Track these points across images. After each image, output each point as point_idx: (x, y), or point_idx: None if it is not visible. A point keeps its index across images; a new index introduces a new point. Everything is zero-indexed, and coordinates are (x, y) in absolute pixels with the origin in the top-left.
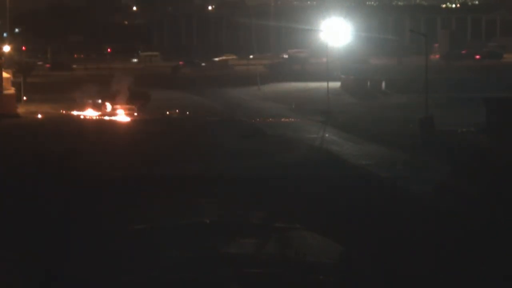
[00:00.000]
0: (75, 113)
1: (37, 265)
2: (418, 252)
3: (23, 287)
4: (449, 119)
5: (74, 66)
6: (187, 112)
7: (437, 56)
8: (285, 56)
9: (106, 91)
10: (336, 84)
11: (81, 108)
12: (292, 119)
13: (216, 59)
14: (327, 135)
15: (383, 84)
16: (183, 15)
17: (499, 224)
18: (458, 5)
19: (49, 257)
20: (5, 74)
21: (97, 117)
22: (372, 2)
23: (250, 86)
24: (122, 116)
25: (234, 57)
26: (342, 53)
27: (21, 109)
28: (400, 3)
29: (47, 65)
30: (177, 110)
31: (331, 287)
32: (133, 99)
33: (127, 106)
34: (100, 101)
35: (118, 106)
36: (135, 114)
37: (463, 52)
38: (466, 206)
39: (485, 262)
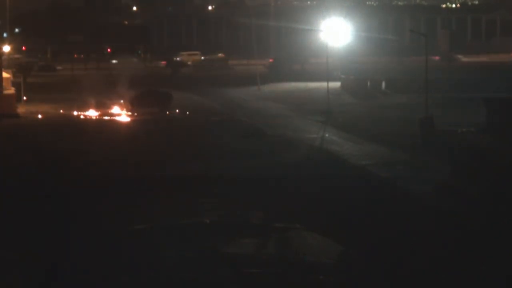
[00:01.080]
0: (89, 113)
1: (37, 265)
2: (418, 252)
3: (23, 287)
4: (449, 119)
5: (59, 67)
6: (187, 112)
7: None
8: (178, 59)
9: (128, 92)
10: (336, 84)
11: (100, 108)
12: (292, 119)
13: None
14: (327, 135)
15: (383, 84)
16: (183, 15)
17: (499, 224)
18: (458, 5)
19: (49, 257)
20: (5, 74)
21: (97, 117)
22: (372, 2)
23: (250, 86)
24: (124, 116)
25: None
26: (342, 53)
27: (21, 109)
28: (400, 3)
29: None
30: (177, 110)
31: (331, 287)
32: (155, 100)
33: (150, 107)
34: (122, 101)
35: (141, 107)
36: (159, 114)
37: None
38: (466, 206)
39: (485, 262)
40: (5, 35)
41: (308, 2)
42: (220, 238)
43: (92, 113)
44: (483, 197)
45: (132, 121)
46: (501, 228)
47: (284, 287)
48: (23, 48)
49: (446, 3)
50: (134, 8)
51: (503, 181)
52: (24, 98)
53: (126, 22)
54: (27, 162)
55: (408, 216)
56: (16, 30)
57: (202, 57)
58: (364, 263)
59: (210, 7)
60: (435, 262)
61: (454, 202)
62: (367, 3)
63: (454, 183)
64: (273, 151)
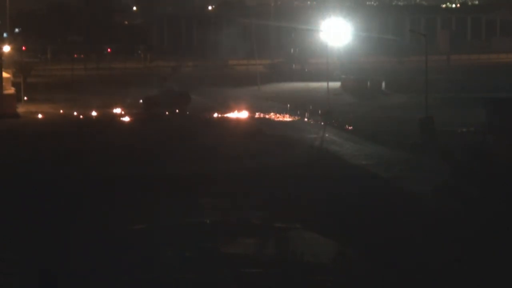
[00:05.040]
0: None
1: (37, 265)
2: (418, 252)
3: (23, 287)
4: (449, 119)
5: None
6: (187, 112)
7: None
8: None
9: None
10: (336, 84)
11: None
12: (292, 119)
13: None
14: (327, 135)
15: (383, 84)
16: (183, 15)
17: (499, 224)
18: (458, 5)
19: (49, 257)
20: (5, 74)
21: (97, 117)
22: (372, 2)
23: (250, 86)
24: (124, 116)
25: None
26: (342, 53)
27: (21, 109)
28: (400, 3)
29: None
30: (177, 110)
31: (331, 287)
32: (174, 101)
33: (168, 108)
34: (141, 101)
35: (160, 108)
36: (159, 114)
37: None
38: (466, 206)
39: (485, 262)
40: (5, 35)
41: (308, 2)
42: (220, 238)
43: (93, 114)
44: (483, 197)
45: (131, 121)
46: (501, 228)
47: (284, 287)
48: (23, 48)
49: (446, 3)
50: (134, 8)
51: (503, 181)
52: (25, 98)
53: (126, 22)
54: (26, 162)
55: (407, 216)
56: (16, 30)
57: None
58: (363, 263)
59: (210, 7)
60: (434, 261)
61: (454, 202)
62: (367, 3)
63: (454, 183)
64: (273, 151)
